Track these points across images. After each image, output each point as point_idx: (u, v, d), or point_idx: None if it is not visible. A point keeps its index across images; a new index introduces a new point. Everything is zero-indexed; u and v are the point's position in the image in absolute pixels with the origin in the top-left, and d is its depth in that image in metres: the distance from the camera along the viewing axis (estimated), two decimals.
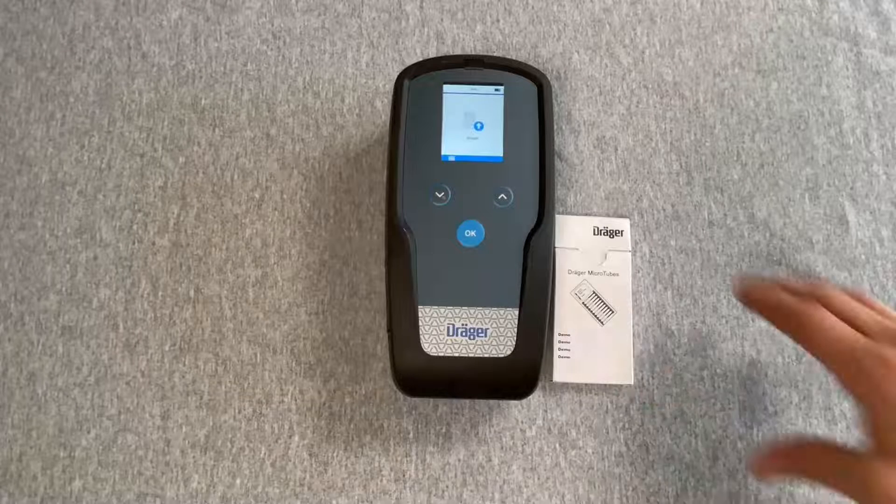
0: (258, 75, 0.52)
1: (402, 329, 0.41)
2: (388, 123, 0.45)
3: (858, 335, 0.35)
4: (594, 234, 0.45)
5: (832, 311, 0.36)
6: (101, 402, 0.46)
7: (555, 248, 0.44)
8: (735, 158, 0.51)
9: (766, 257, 0.49)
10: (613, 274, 0.44)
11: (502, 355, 0.40)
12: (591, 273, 0.44)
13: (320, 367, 0.46)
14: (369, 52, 0.53)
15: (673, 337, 0.47)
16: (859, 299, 0.38)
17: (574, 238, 0.44)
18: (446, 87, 0.45)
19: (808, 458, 0.36)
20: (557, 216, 0.44)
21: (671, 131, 0.51)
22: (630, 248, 0.45)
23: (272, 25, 0.53)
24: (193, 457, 0.45)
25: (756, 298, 0.40)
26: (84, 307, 0.47)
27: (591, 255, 0.43)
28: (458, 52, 0.53)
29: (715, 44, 0.54)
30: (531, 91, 0.45)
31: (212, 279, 0.48)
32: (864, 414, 0.34)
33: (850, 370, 0.34)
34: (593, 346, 0.42)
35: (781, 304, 0.38)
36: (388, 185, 0.43)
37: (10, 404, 0.46)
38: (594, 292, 0.43)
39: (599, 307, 0.43)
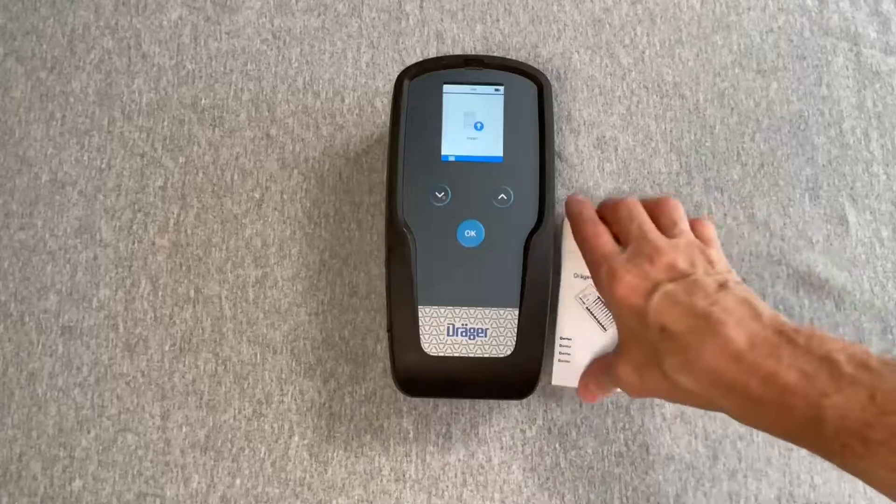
0: (258, 75, 0.52)
1: (402, 329, 0.41)
2: (388, 123, 0.45)
3: (612, 248, 0.39)
4: None
5: (609, 223, 0.41)
6: (101, 402, 0.46)
7: (562, 250, 0.43)
8: (735, 158, 0.51)
9: (766, 257, 0.49)
10: None
11: (502, 355, 0.40)
12: None
13: (320, 367, 0.46)
14: (369, 52, 0.53)
15: None
16: (655, 207, 0.41)
17: None
18: (446, 87, 0.45)
19: (595, 373, 0.41)
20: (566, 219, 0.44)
21: (671, 131, 0.51)
22: None
23: (272, 25, 0.53)
24: (193, 457, 0.45)
25: (567, 211, 0.44)
26: (84, 307, 0.47)
27: None
28: (458, 52, 0.53)
29: (715, 44, 0.54)
30: (531, 91, 0.45)
31: (212, 279, 0.48)
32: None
33: (594, 277, 0.39)
34: (594, 352, 0.42)
35: (575, 217, 0.42)
36: (388, 185, 0.43)
37: (10, 404, 0.46)
38: (599, 298, 0.42)
39: (603, 313, 0.42)
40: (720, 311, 0.34)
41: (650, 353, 0.35)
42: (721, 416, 0.46)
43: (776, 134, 0.52)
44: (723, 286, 0.35)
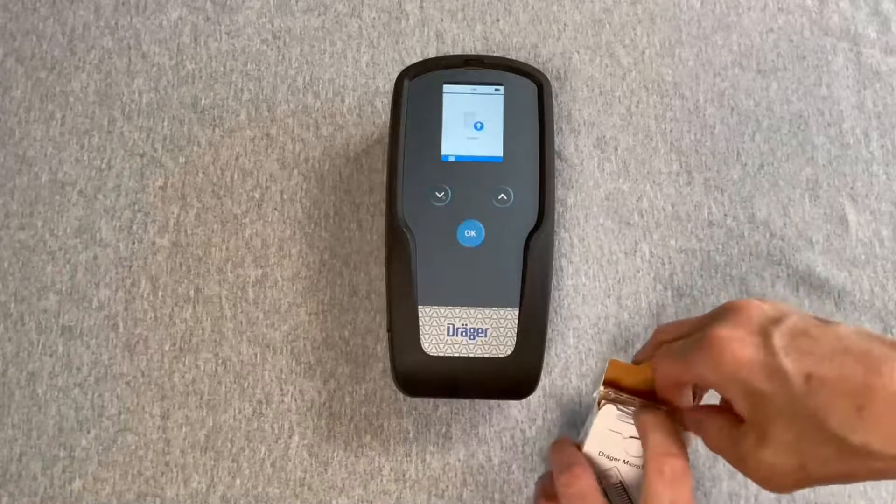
0: (258, 75, 0.52)
1: (402, 329, 0.41)
2: (388, 123, 0.46)
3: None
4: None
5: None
6: (101, 402, 0.46)
7: (589, 427, 0.37)
8: (735, 158, 0.51)
9: (766, 257, 0.49)
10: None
11: (502, 355, 0.40)
12: (625, 462, 0.37)
13: (320, 367, 0.46)
14: (369, 52, 0.53)
15: None
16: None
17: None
18: (446, 87, 0.45)
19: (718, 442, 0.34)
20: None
21: (671, 131, 0.51)
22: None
23: (272, 25, 0.53)
24: (193, 457, 0.45)
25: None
26: (84, 307, 0.47)
27: (633, 444, 0.36)
28: (458, 52, 0.53)
29: (715, 44, 0.54)
30: (531, 91, 0.45)
31: (212, 279, 0.48)
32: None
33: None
34: None
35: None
36: (388, 185, 0.43)
37: (10, 404, 0.46)
38: (620, 482, 0.37)
39: (621, 500, 0.37)
40: (868, 343, 0.28)
41: (800, 419, 0.28)
42: None
43: (776, 134, 0.52)
44: (826, 321, 0.30)
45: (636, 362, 0.38)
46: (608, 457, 0.37)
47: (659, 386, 0.36)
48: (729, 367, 0.29)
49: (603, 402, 0.37)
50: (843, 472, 0.28)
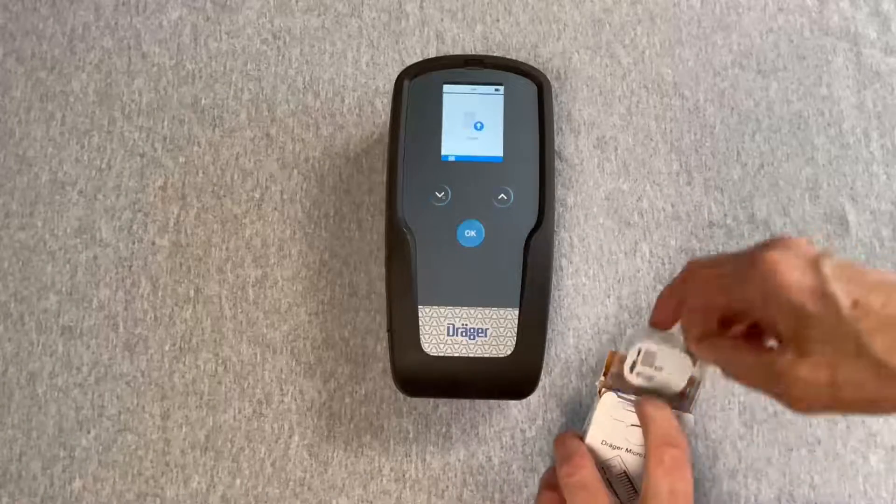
0: (258, 75, 0.52)
1: (402, 329, 0.41)
2: (388, 123, 0.46)
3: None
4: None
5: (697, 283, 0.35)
6: (101, 402, 0.46)
7: (592, 417, 0.38)
8: (735, 158, 0.51)
9: None
10: None
11: (502, 355, 0.40)
12: (628, 451, 0.37)
13: (320, 367, 0.46)
14: (369, 52, 0.53)
15: None
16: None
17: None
18: (446, 87, 0.45)
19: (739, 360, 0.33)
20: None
21: (671, 131, 0.51)
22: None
23: (272, 25, 0.53)
24: (193, 457, 0.45)
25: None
26: (84, 307, 0.47)
27: (635, 432, 0.37)
28: (458, 52, 0.53)
29: (715, 44, 0.54)
30: (531, 91, 0.45)
31: (212, 279, 0.48)
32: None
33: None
34: None
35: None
36: (388, 185, 0.43)
37: (10, 404, 0.46)
38: (623, 472, 0.37)
39: (624, 488, 0.37)
40: None
41: (842, 341, 0.29)
42: (721, 416, 0.46)
43: (776, 134, 0.52)
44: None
45: (664, 294, 0.37)
46: (611, 446, 0.37)
47: (688, 312, 0.35)
48: (778, 286, 0.30)
49: (603, 390, 0.37)
50: (875, 398, 0.29)
